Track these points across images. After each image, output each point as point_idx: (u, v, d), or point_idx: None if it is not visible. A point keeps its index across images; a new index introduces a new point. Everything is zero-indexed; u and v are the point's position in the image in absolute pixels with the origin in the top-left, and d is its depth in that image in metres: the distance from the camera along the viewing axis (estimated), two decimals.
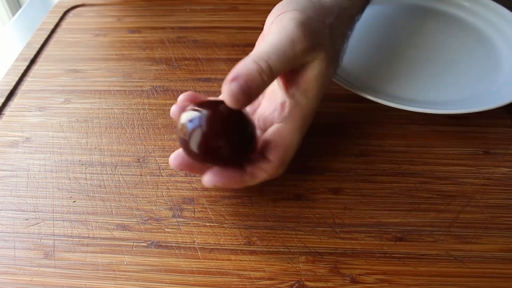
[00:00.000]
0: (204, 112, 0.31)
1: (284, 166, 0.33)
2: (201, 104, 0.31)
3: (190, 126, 0.30)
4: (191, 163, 0.32)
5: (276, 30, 0.33)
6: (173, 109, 0.34)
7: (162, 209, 0.35)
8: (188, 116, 0.31)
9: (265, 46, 0.31)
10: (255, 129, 0.33)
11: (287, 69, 0.32)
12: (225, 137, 0.31)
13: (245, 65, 0.30)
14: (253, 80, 0.30)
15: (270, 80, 0.30)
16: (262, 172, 0.32)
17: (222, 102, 0.30)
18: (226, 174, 0.32)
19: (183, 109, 0.32)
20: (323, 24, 0.34)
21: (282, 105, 0.34)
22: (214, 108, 0.31)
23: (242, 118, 0.31)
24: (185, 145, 0.31)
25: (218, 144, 0.30)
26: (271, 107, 0.35)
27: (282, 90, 0.34)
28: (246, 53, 0.49)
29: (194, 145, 0.30)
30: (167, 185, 0.36)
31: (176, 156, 0.33)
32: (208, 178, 0.32)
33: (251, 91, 0.30)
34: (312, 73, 0.33)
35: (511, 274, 0.30)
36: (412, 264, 0.31)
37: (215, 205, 0.35)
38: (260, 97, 0.36)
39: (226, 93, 0.29)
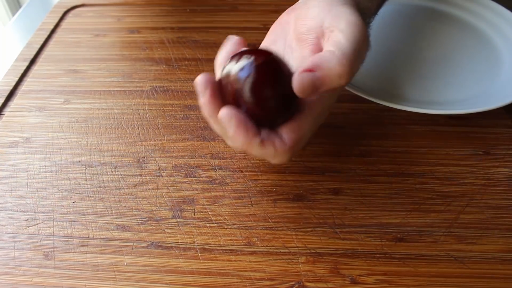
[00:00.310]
0: (254, 60, 0.30)
1: (293, 153, 0.32)
2: (248, 52, 0.31)
3: (242, 74, 0.29)
4: (217, 88, 0.31)
5: (346, 26, 0.31)
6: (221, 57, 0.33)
7: (162, 209, 0.35)
8: (238, 65, 0.30)
9: (347, 43, 0.30)
10: None
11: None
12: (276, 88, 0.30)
13: (330, 61, 0.29)
14: (329, 79, 0.29)
15: (344, 86, 0.30)
16: (271, 147, 0.30)
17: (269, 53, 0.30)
18: (245, 120, 0.29)
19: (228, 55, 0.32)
20: (363, 15, 0.34)
21: None
22: (265, 57, 0.30)
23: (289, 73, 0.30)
24: (235, 94, 0.30)
25: (269, 94, 0.30)
26: None
27: None
28: None
29: (247, 92, 0.29)
30: (167, 185, 0.36)
31: (205, 76, 0.31)
32: (228, 111, 0.29)
33: (322, 87, 0.29)
34: None
35: (511, 275, 0.30)
36: (412, 264, 0.31)
37: (215, 205, 0.35)
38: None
39: (297, 80, 0.28)
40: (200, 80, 0.31)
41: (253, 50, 0.31)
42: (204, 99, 0.31)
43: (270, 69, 0.30)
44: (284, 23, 0.37)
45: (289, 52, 0.36)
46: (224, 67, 0.31)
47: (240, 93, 0.30)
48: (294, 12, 0.37)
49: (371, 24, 0.40)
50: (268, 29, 0.39)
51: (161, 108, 0.43)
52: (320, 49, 0.32)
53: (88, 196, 0.36)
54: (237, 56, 0.31)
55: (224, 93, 0.31)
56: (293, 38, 0.36)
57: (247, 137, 0.29)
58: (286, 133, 0.31)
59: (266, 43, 0.38)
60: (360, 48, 0.30)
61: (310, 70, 0.29)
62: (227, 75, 0.30)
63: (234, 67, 0.30)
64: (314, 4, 0.34)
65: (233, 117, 0.29)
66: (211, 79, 0.31)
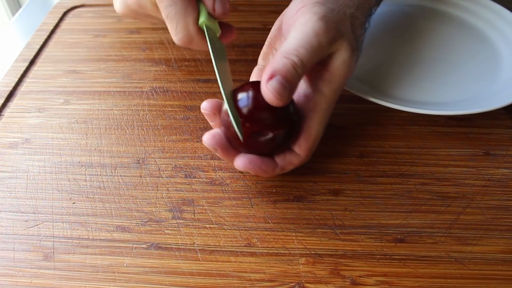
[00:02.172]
0: (251, 92, 0.31)
1: (309, 156, 0.35)
2: (244, 87, 0.32)
3: (240, 104, 0.31)
4: (226, 144, 0.33)
5: (300, 24, 0.33)
6: (206, 105, 0.34)
7: (162, 210, 0.35)
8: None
9: (291, 41, 0.32)
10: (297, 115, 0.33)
11: (315, 61, 0.32)
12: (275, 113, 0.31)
13: (278, 62, 0.30)
14: (289, 75, 0.30)
15: (303, 73, 0.31)
16: (291, 165, 0.34)
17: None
18: (259, 162, 0.32)
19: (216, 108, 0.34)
20: (344, 15, 0.35)
21: (306, 96, 0.34)
22: (253, 88, 0.32)
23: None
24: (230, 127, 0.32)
25: (264, 115, 0.31)
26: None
27: (305, 82, 0.35)
28: (246, 53, 0.49)
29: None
30: (167, 186, 0.36)
31: (213, 135, 0.33)
32: (242, 161, 0.32)
33: (290, 85, 0.30)
34: (336, 64, 0.34)
35: None
36: (412, 265, 0.31)
37: (215, 206, 0.35)
38: None
39: (268, 92, 0.30)
40: (208, 141, 0.33)
41: (244, 85, 0.33)
42: (220, 155, 0.34)
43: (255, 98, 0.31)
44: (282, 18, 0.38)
45: None
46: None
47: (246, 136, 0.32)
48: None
49: (369, 20, 0.40)
50: (268, 29, 0.39)
51: (161, 109, 0.43)
52: None
53: (87, 197, 0.36)
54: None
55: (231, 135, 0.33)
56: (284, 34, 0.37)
57: (268, 173, 0.33)
58: (298, 145, 0.34)
59: (271, 40, 0.39)
60: (308, 40, 0.31)
61: (271, 76, 0.30)
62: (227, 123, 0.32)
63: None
64: (295, 1, 0.36)
65: (249, 167, 0.32)
66: (218, 138, 0.33)
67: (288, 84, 0.30)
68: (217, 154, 0.34)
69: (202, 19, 0.36)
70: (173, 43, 0.51)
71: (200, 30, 0.37)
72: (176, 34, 0.37)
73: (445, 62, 0.45)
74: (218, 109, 0.34)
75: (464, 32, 0.49)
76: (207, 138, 0.33)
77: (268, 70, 0.30)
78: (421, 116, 0.40)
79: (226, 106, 0.32)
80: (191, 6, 0.36)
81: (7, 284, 0.31)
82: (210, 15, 0.37)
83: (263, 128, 0.31)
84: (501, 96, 0.40)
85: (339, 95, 0.35)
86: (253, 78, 0.38)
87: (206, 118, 0.35)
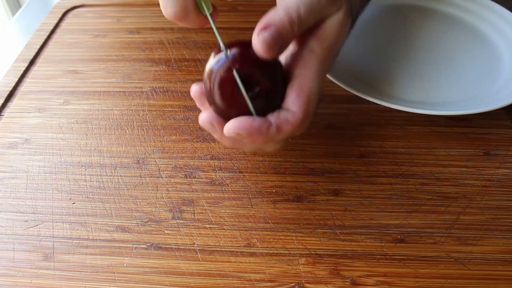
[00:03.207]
0: (243, 44, 0.30)
1: (309, 117, 0.31)
2: (229, 46, 0.30)
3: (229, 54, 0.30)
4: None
5: None
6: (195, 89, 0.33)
7: (161, 210, 0.35)
8: (218, 57, 0.30)
9: None
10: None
11: (312, 21, 0.31)
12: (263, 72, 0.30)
13: (276, 14, 0.29)
14: (284, 30, 0.29)
15: (299, 31, 0.30)
16: (288, 124, 0.30)
17: (249, 44, 0.30)
18: (250, 121, 0.29)
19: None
20: None
21: (294, 55, 0.33)
22: (245, 46, 0.30)
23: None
24: (212, 90, 0.30)
25: (254, 61, 0.29)
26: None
27: (294, 42, 0.33)
28: None
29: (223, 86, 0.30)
30: (166, 186, 0.36)
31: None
32: (231, 125, 0.29)
33: (283, 40, 0.29)
34: (329, 23, 0.33)
35: None
36: (412, 266, 0.31)
37: (215, 206, 0.35)
38: None
39: (258, 42, 0.29)
40: (204, 119, 0.31)
41: (226, 44, 0.31)
42: (217, 135, 0.32)
43: (246, 51, 0.30)
44: None
45: None
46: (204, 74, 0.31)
47: (232, 88, 0.29)
48: None
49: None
50: None
51: (161, 109, 0.43)
52: None
53: (87, 197, 0.36)
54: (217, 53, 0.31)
55: (215, 99, 0.31)
56: None
57: (263, 134, 0.29)
58: (292, 103, 0.30)
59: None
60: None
61: (264, 27, 0.29)
62: (210, 78, 0.30)
63: (214, 67, 0.30)
64: None
65: (240, 127, 0.29)
66: (213, 116, 0.31)
67: (280, 38, 0.29)
68: (215, 136, 0.32)
69: None
70: (173, 43, 0.51)
71: (196, 5, 0.36)
72: (171, 6, 0.34)
73: (445, 62, 0.45)
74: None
75: (465, 32, 0.49)
76: (204, 115, 0.31)
77: (263, 21, 0.29)
78: (421, 116, 0.40)
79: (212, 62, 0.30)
80: None
81: (7, 284, 0.31)
82: None
83: (251, 72, 0.30)
84: (501, 96, 0.40)
85: (334, 57, 0.34)
86: None
87: (195, 101, 0.33)
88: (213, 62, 0.30)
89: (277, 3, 0.32)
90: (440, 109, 0.38)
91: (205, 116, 0.31)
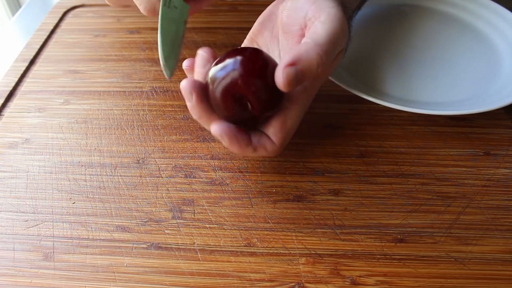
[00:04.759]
0: (252, 55, 0.31)
1: (284, 146, 0.34)
2: (229, 55, 0.32)
3: (226, 75, 0.31)
4: (204, 94, 0.32)
5: (326, 18, 0.32)
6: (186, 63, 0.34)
7: (162, 210, 0.35)
8: (223, 64, 0.31)
9: (322, 33, 0.31)
10: None
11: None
12: (263, 80, 0.31)
13: (308, 53, 0.30)
14: (310, 70, 0.30)
15: (321, 71, 0.31)
16: (265, 150, 0.33)
17: (247, 50, 0.31)
18: (236, 133, 0.31)
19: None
20: (344, 8, 0.35)
21: None
22: (262, 54, 0.31)
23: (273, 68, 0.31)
24: (213, 94, 0.31)
25: (261, 85, 0.31)
26: None
27: None
28: None
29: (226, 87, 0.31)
30: (166, 186, 0.36)
31: (191, 80, 0.32)
32: (219, 127, 0.31)
33: (304, 79, 0.30)
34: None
35: None
36: (412, 265, 0.31)
37: (215, 206, 0.35)
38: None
39: (281, 75, 0.29)
40: (184, 85, 0.32)
41: (235, 49, 0.32)
42: (191, 104, 0.32)
43: (255, 67, 0.31)
44: (270, 14, 0.38)
45: (275, 43, 0.37)
46: (209, 71, 0.32)
47: (227, 95, 0.31)
48: (280, 4, 0.37)
49: (354, 18, 0.41)
50: None
51: (161, 109, 0.43)
52: None
53: (87, 197, 0.36)
54: (221, 59, 0.32)
55: (212, 96, 0.32)
56: (279, 29, 0.37)
57: (240, 148, 0.32)
58: (274, 134, 0.33)
59: (253, 34, 0.39)
60: (336, 38, 0.32)
61: (292, 64, 0.29)
62: (213, 80, 0.31)
63: (219, 71, 0.31)
64: None
65: (224, 133, 0.31)
66: (196, 83, 0.32)
67: (302, 77, 0.30)
68: (188, 104, 0.32)
69: None
70: None
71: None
72: (140, 4, 0.38)
73: (445, 62, 0.45)
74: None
75: (464, 32, 0.49)
76: (186, 83, 0.32)
77: (294, 55, 0.30)
78: (421, 116, 0.40)
79: (159, 43, 0.31)
80: None
81: (7, 284, 0.31)
82: None
83: (252, 95, 0.31)
84: (501, 96, 0.40)
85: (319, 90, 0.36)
86: None
87: (184, 96, 0.33)
88: (218, 68, 0.31)
89: (308, 32, 0.32)
90: (440, 109, 0.38)
91: (187, 83, 0.32)
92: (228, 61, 0.31)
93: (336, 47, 0.32)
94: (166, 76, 0.31)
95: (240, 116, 0.32)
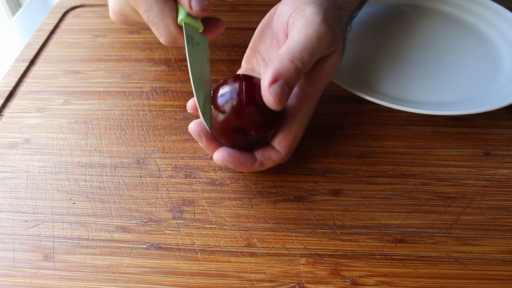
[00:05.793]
0: (236, 85, 0.32)
1: (290, 154, 0.35)
2: (229, 81, 0.33)
3: (226, 96, 0.32)
4: (210, 134, 0.33)
5: (302, 26, 0.33)
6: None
7: (162, 211, 0.35)
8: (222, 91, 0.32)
9: (295, 43, 0.32)
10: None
11: (312, 64, 0.32)
12: (259, 106, 0.31)
13: (283, 65, 0.30)
14: (292, 80, 0.30)
15: (302, 76, 0.31)
16: (271, 161, 0.34)
17: (246, 78, 0.32)
18: (238, 156, 0.32)
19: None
20: (333, 16, 0.35)
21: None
22: (246, 81, 0.32)
23: None
24: (227, 123, 0.32)
25: (252, 112, 0.31)
26: None
27: None
28: None
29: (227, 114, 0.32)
30: (167, 186, 0.36)
31: (198, 123, 0.33)
32: (221, 154, 0.32)
33: (290, 90, 0.30)
34: (325, 66, 0.34)
35: None
36: (412, 266, 0.31)
37: (215, 206, 0.35)
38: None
39: (269, 95, 0.30)
40: (192, 128, 0.33)
41: (219, 84, 0.33)
42: (202, 145, 0.34)
43: (240, 99, 0.32)
44: (270, 20, 0.38)
45: (275, 51, 0.37)
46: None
47: (227, 131, 0.32)
48: (276, 9, 0.38)
49: (354, 18, 0.41)
50: None
51: (161, 109, 0.43)
52: None
53: (87, 197, 0.36)
54: (212, 96, 0.33)
55: (216, 134, 0.33)
56: (274, 35, 0.37)
57: (247, 168, 0.33)
58: (278, 143, 0.33)
59: (254, 43, 0.39)
60: (311, 45, 0.32)
61: (274, 80, 0.30)
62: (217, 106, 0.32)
63: (214, 111, 0.32)
64: (287, 1, 0.36)
65: (227, 161, 0.32)
66: (202, 126, 0.33)
67: (289, 89, 0.30)
68: (201, 145, 0.34)
69: (181, 17, 0.36)
70: None
71: (181, 28, 0.37)
72: (160, 36, 0.38)
73: (445, 62, 0.45)
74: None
75: (464, 32, 0.49)
76: (193, 125, 0.33)
77: (271, 73, 0.30)
78: (421, 116, 0.40)
79: (195, 98, 0.32)
80: (167, 7, 0.36)
81: (7, 284, 0.31)
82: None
83: (248, 124, 0.32)
84: (501, 96, 0.40)
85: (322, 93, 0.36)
86: None
87: (193, 137, 0.34)
88: (221, 93, 0.32)
89: (286, 41, 0.33)
90: (440, 109, 0.38)
91: (195, 127, 0.33)
92: (218, 100, 0.32)
93: (313, 53, 0.31)
94: (208, 129, 0.32)
95: (248, 142, 0.33)
